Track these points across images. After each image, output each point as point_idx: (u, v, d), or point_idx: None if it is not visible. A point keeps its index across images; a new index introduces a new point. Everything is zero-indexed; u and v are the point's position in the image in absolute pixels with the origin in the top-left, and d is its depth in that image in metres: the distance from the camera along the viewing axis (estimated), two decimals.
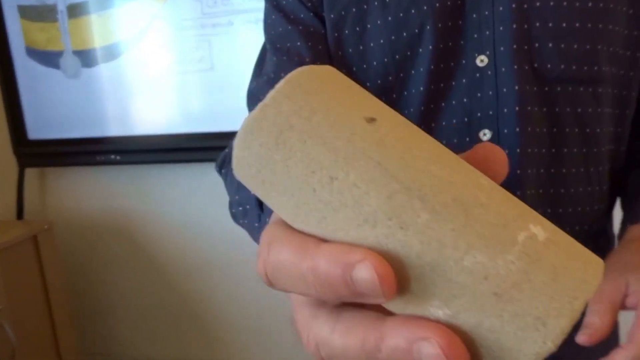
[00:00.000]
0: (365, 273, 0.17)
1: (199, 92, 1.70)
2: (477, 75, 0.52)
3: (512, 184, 0.53)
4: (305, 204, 0.19)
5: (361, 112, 0.19)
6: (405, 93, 0.54)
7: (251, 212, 0.48)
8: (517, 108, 0.51)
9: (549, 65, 0.51)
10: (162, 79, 1.69)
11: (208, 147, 1.72)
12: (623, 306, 0.41)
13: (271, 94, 0.19)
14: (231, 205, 0.54)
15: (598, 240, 0.58)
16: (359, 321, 0.18)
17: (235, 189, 0.51)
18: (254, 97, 0.58)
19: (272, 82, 0.56)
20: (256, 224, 0.47)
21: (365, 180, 0.18)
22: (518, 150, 0.52)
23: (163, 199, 1.87)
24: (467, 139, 0.53)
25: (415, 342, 0.17)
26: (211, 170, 1.85)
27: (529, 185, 0.53)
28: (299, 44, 0.56)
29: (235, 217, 0.54)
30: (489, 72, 0.51)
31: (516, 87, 0.51)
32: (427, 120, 0.54)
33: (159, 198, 1.88)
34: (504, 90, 0.51)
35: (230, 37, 1.62)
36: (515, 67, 0.50)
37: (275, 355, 1.93)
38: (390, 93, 0.55)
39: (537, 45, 0.50)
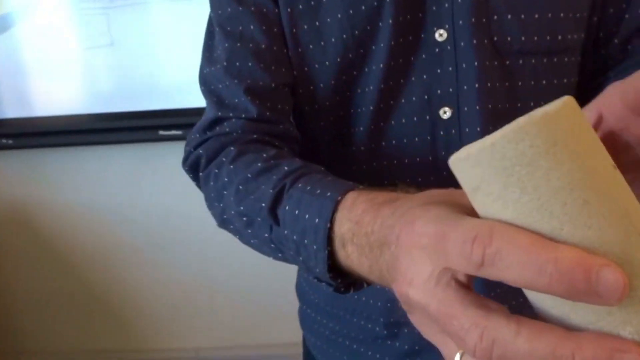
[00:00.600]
0: (612, 275, 0.19)
1: (103, 70, 1.57)
2: (437, 50, 0.50)
3: None
4: (548, 211, 0.21)
5: (607, 156, 0.22)
6: (366, 69, 0.52)
7: (261, 223, 0.45)
8: (477, 85, 0.50)
9: (509, 38, 0.49)
10: (61, 55, 1.54)
11: (115, 129, 1.61)
12: None
13: (559, 105, 0.21)
14: (224, 213, 0.49)
15: None
16: (548, 330, 0.20)
17: (236, 199, 0.47)
18: (210, 84, 0.55)
19: (229, 71, 0.52)
20: (266, 235, 0.44)
21: (611, 215, 0.21)
22: (478, 128, 0.51)
23: (66, 185, 1.74)
24: (428, 117, 0.52)
25: (615, 354, 0.19)
26: (121, 152, 1.75)
27: None
28: (252, 27, 0.52)
29: (226, 223, 0.50)
30: (448, 47, 0.50)
31: (476, 63, 0.49)
32: (387, 97, 0.52)
33: (61, 184, 1.74)
34: (464, 66, 0.50)
35: (132, 11, 1.51)
36: (475, 41, 0.49)
37: (189, 340, 1.89)
38: (350, 70, 0.52)
39: (495, 17, 0.49)
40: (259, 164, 0.46)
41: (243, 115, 0.53)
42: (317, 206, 0.37)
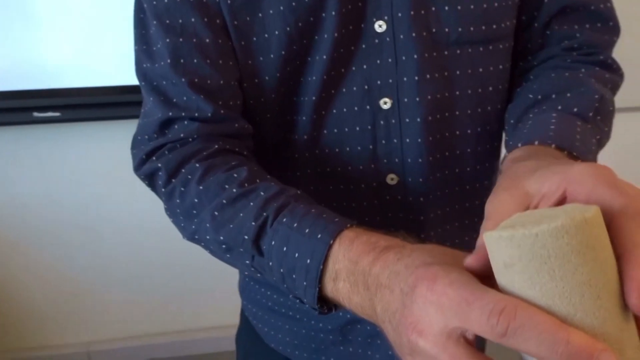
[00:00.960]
0: (609, 358, 0.24)
1: None
2: (376, 41, 0.51)
3: (414, 153, 0.54)
4: (568, 299, 0.26)
5: (614, 259, 0.27)
6: (309, 60, 0.51)
7: (243, 253, 0.45)
8: (416, 77, 0.51)
9: (446, 29, 0.51)
10: None
11: None
12: None
13: (593, 213, 0.26)
14: (196, 233, 0.48)
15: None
16: None
17: (213, 226, 0.46)
18: (152, 81, 0.51)
19: (174, 69, 0.49)
20: (247, 262, 0.45)
21: (612, 310, 0.26)
22: (418, 119, 0.52)
23: None
24: (368, 106, 0.53)
25: None
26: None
27: (428, 151, 0.54)
28: (193, 20, 0.49)
29: (197, 241, 0.49)
30: (387, 39, 0.51)
31: (415, 56, 0.51)
32: (329, 87, 0.52)
33: None
34: (403, 58, 0.51)
35: None
36: (414, 34, 0.50)
37: (70, 334, 1.79)
38: (294, 61, 0.51)
39: (434, 9, 0.50)
40: (234, 190, 0.45)
41: (196, 115, 0.50)
42: (309, 248, 0.39)
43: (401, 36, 0.50)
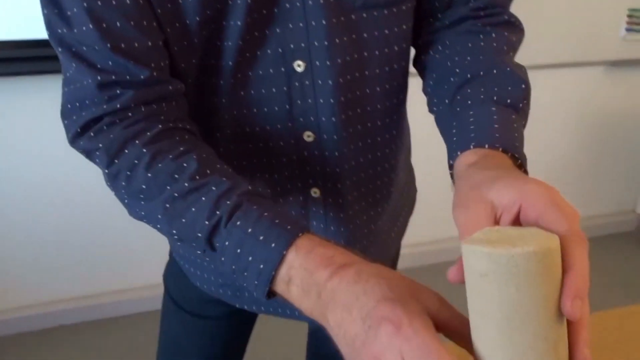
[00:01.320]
0: None
1: None
2: (287, 6, 0.52)
3: (327, 112, 0.57)
4: (526, 306, 0.31)
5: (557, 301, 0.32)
6: (224, 24, 0.52)
7: (195, 246, 0.47)
8: (326, 42, 0.54)
9: None
10: None
11: None
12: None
13: (554, 245, 0.31)
14: (144, 218, 0.50)
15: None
16: None
17: (165, 218, 0.47)
18: (71, 47, 0.49)
19: (97, 34, 0.47)
20: (198, 252, 0.49)
21: (556, 318, 0.31)
22: (330, 81, 0.56)
23: None
24: (283, 69, 0.55)
25: None
26: None
27: (341, 110, 0.58)
28: None
29: (145, 222, 0.50)
30: (298, 4, 0.52)
31: (324, 22, 0.53)
32: (245, 51, 0.54)
33: None
34: (313, 23, 0.53)
35: None
36: (322, 0, 0.52)
37: None
38: (209, 26, 0.52)
39: None
40: (185, 184, 0.46)
41: (128, 78, 0.49)
42: (262, 255, 0.41)
43: (310, 2, 0.52)
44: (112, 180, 0.50)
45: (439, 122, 0.57)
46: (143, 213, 0.49)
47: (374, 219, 0.67)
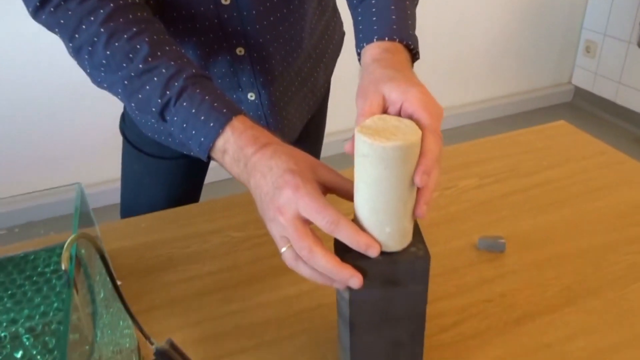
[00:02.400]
0: (374, 250, 0.43)
1: None
2: None
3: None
4: (392, 180, 0.41)
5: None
6: None
7: (150, 117, 0.56)
8: None
9: None
10: None
11: None
12: None
13: (416, 139, 0.41)
14: (105, 83, 0.58)
15: None
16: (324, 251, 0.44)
17: (125, 92, 0.56)
18: None
19: None
20: (153, 120, 0.63)
21: (411, 192, 0.43)
22: None
23: None
24: None
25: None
26: None
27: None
28: None
29: (105, 89, 0.58)
30: None
31: None
32: None
33: None
34: None
35: None
36: None
37: None
38: None
39: None
40: (140, 66, 0.54)
41: None
42: (203, 131, 0.52)
43: None
44: (76, 53, 0.57)
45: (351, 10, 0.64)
46: (105, 85, 0.57)
47: (294, 62, 0.77)
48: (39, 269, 0.56)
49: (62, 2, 0.55)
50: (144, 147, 0.86)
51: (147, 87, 0.54)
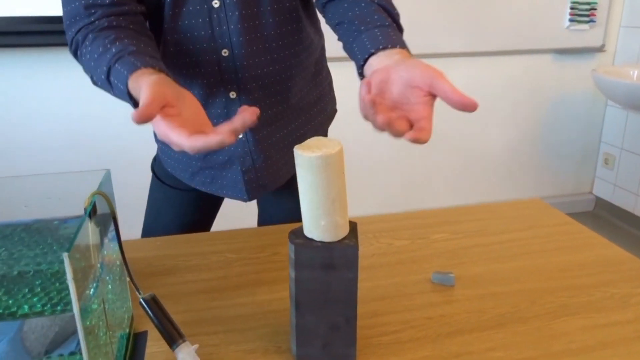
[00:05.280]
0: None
1: None
2: None
3: (236, 35, 0.82)
4: (323, 187, 0.55)
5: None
6: None
7: (106, 86, 0.71)
8: None
9: None
10: None
11: None
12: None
13: (319, 158, 0.53)
14: (92, 77, 0.75)
15: None
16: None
17: (91, 70, 0.73)
18: None
19: None
20: (111, 90, 0.72)
21: (328, 205, 0.56)
22: (237, 13, 0.80)
23: None
24: (205, 5, 0.79)
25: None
26: None
27: (245, 33, 0.82)
28: None
29: (95, 84, 0.75)
30: None
31: None
32: None
33: None
34: None
35: None
36: None
37: None
38: None
39: None
40: (100, 48, 0.71)
41: (99, 2, 0.75)
42: (122, 80, 0.66)
43: None
44: (80, 59, 0.75)
45: (342, 40, 0.78)
46: (90, 74, 0.74)
47: (279, 114, 0.93)
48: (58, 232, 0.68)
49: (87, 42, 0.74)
50: (166, 179, 1.04)
51: (102, 64, 0.70)
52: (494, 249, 0.88)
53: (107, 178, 0.59)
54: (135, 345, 0.64)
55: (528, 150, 2.72)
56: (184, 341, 0.54)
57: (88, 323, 0.46)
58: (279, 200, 1.07)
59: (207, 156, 0.94)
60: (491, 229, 0.96)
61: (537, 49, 2.47)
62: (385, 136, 2.49)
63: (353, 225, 0.60)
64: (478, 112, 2.58)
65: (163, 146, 1.01)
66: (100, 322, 0.51)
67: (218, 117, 0.89)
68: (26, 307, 0.47)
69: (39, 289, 0.50)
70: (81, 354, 0.44)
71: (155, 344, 0.64)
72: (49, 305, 0.47)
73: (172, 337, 0.54)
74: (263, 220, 1.15)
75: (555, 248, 0.89)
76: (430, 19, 2.28)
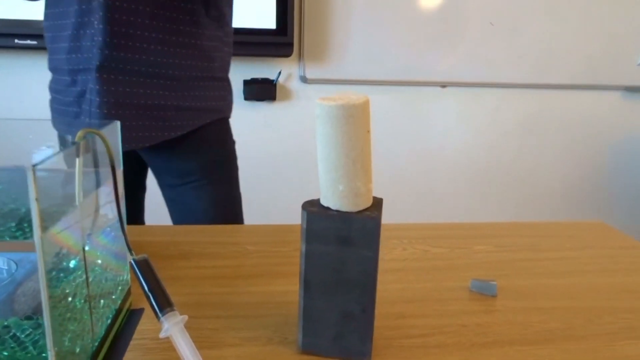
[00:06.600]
0: None
1: None
2: None
3: None
4: (328, 147, 0.48)
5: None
6: None
7: None
8: None
9: None
10: None
11: None
12: None
13: (338, 107, 0.47)
14: None
15: None
16: None
17: None
18: None
19: None
20: None
21: (345, 163, 0.48)
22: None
23: None
24: None
25: None
26: None
27: None
28: None
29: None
30: None
31: None
32: None
33: None
34: None
35: None
36: None
37: None
38: None
39: None
40: None
41: None
42: None
43: None
44: None
45: None
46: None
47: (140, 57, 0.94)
48: None
49: None
50: None
51: None
52: (544, 265, 0.77)
53: (116, 130, 0.54)
54: (127, 322, 0.58)
55: (589, 187, 2.54)
56: (172, 310, 0.47)
57: (54, 273, 0.40)
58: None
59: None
60: (543, 245, 0.85)
61: (606, 85, 2.34)
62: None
63: (378, 200, 0.52)
64: (536, 145, 2.44)
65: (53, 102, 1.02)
66: (79, 286, 0.45)
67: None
68: None
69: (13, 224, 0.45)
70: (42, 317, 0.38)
71: (149, 322, 0.58)
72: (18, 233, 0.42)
73: (161, 304, 0.47)
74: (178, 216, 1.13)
75: (618, 269, 0.77)
76: (498, 49, 2.21)
